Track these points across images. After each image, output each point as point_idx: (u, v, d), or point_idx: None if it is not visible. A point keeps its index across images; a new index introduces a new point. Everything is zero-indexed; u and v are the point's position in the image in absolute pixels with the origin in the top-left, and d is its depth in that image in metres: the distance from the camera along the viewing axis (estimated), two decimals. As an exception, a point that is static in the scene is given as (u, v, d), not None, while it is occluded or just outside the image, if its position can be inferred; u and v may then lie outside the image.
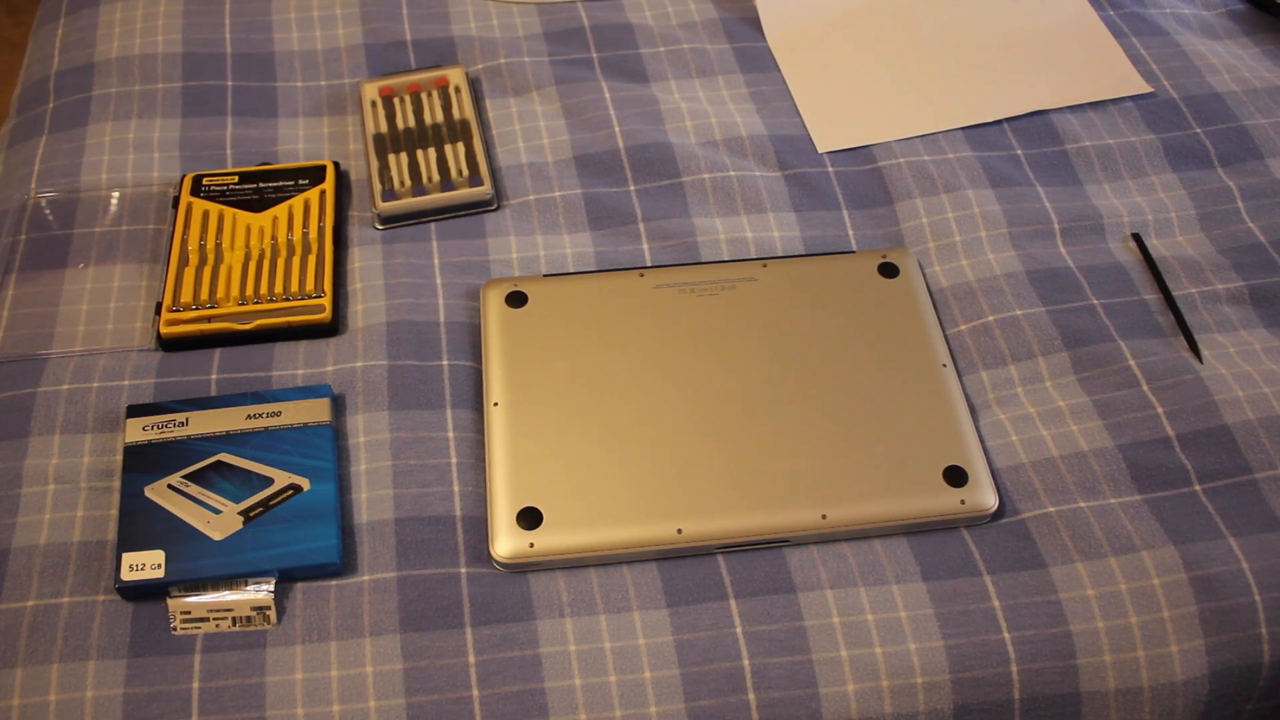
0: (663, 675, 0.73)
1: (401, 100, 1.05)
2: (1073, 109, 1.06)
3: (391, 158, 1.00)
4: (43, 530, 0.78)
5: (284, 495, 0.79)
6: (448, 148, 1.01)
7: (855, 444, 0.82)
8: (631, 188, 0.99)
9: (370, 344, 0.88)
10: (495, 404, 0.84)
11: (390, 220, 0.97)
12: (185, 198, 0.96)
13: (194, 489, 0.79)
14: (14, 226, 0.96)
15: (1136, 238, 0.96)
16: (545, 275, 0.92)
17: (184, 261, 0.92)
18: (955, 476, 0.80)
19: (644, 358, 0.86)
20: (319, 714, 0.72)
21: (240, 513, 0.77)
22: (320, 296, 0.90)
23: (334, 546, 0.77)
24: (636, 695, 0.73)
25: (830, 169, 1.01)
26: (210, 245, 0.93)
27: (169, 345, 0.88)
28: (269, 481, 0.79)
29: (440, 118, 1.03)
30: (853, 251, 0.95)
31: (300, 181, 0.97)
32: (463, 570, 0.78)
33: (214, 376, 0.87)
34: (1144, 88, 1.07)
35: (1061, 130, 1.04)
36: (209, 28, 1.12)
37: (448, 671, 0.73)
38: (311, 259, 0.92)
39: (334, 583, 0.77)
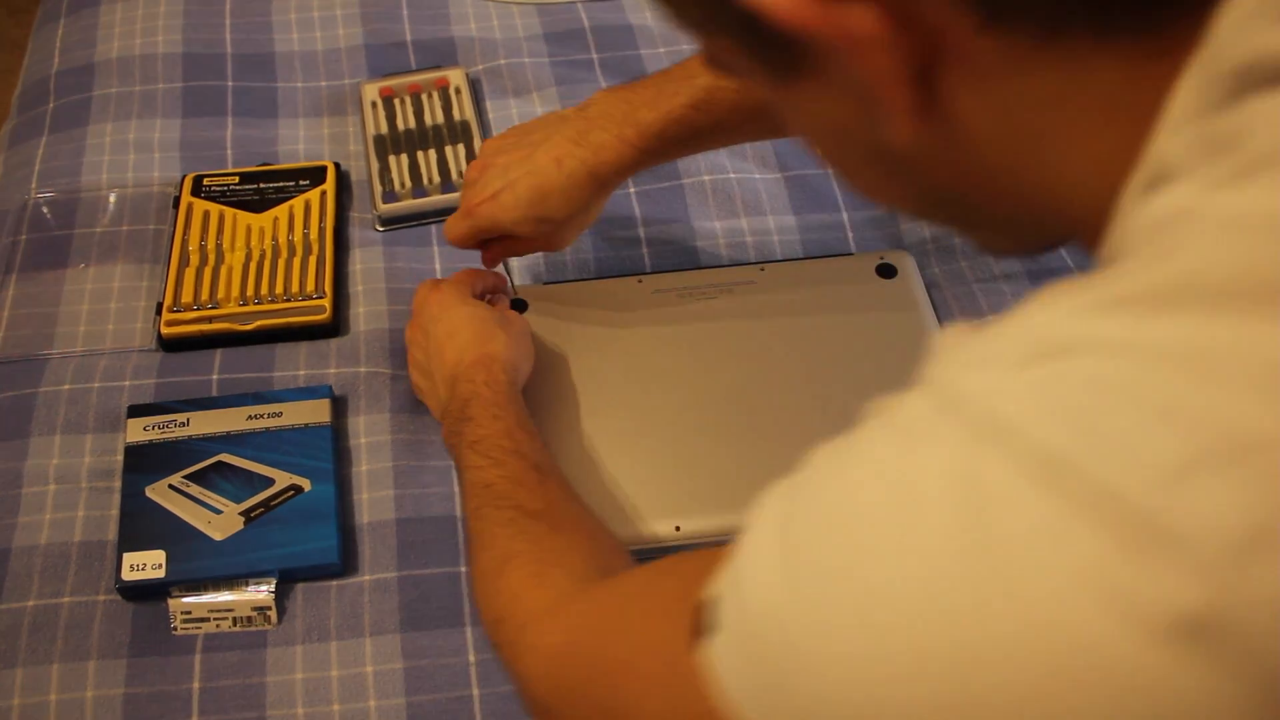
0: (663, 676, 0.73)
1: (402, 101, 1.05)
2: (1072, 111, 1.06)
3: (392, 159, 1.00)
4: (43, 530, 0.78)
5: (284, 496, 0.79)
6: (448, 149, 1.01)
7: (855, 445, 0.82)
8: (631, 190, 0.99)
9: (372, 346, 0.88)
10: (495, 405, 0.84)
11: (391, 222, 0.97)
12: (186, 198, 0.96)
13: (195, 489, 0.79)
14: (14, 226, 0.96)
15: (1135, 240, 0.96)
16: (545, 283, 0.93)
17: (184, 262, 0.92)
18: (954, 478, 0.80)
19: (643, 362, 0.86)
20: (319, 714, 0.72)
21: (241, 513, 0.78)
22: (321, 297, 0.90)
23: (333, 547, 0.77)
24: (636, 696, 0.73)
25: (830, 170, 1.01)
26: (211, 246, 0.93)
27: (170, 345, 0.88)
28: (270, 482, 0.79)
29: (440, 119, 1.03)
30: (850, 254, 0.95)
31: (301, 182, 0.97)
32: (463, 570, 0.78)
33: (215, 377, 0.87)
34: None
35: (1060, 133, 1.04)
36: (209, 28, 1.12)
37: (448, 671, 0.73)
38: (312, 260, 0.92)
39: (334, 583, 0.77)
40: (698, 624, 0.41)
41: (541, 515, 0.66)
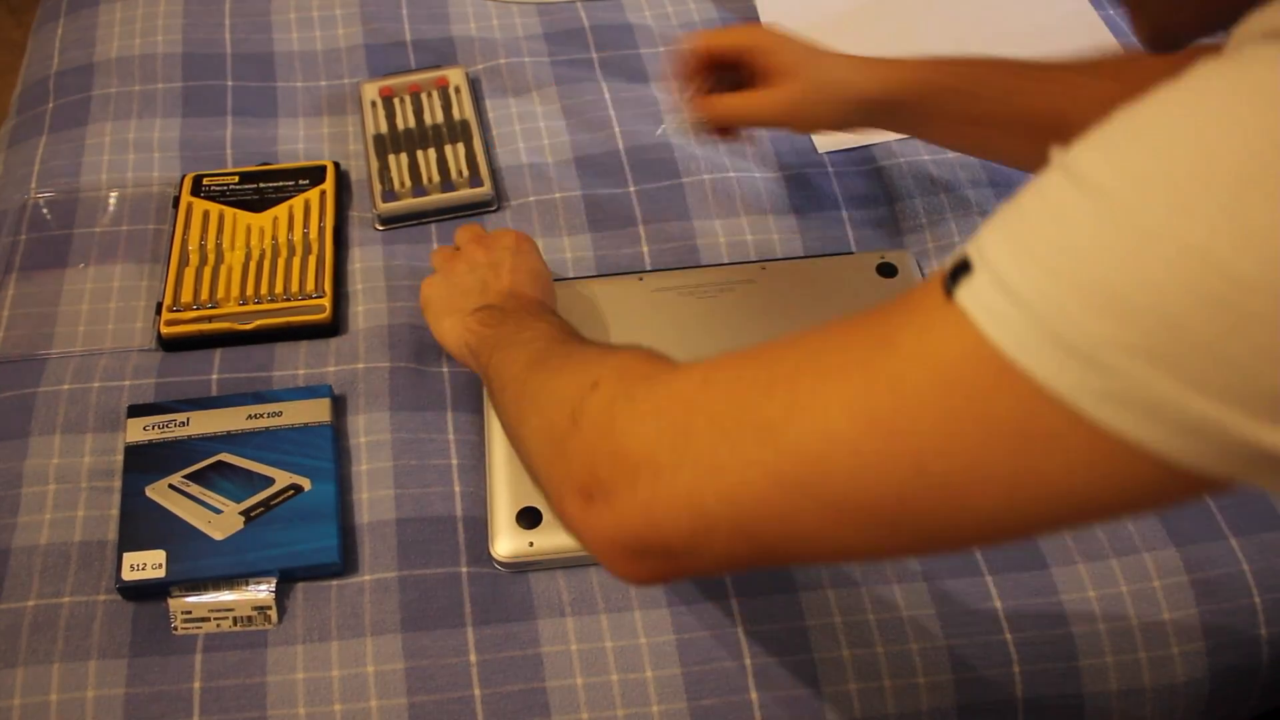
0: (665, 674, 0.73)
1: (401, 100, 1.05)
2: (1072, 110, 1.06)
3: (391, 158, 1.00)
4: (43, 530, 0.78)
5: (285, 495, 0.79)
6: (448, 148, 1.01)
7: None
8: (631, 188, 0.99)
9: (371, 345, 0.88)
10: (496, 404, 0.84)
11: (390, 221, 0.97)
12: (185, 198, 0.96)
13: (195, 489, 0.79)
14: (14, 226, 0.96)
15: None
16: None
17: (184, 261, 0.92)
18: (956, 476, 0.80)
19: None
20: (321, 714, 0.72)
21: (241, 512, 0.77)
22: (320, 297, 0.90)
23: (334, 546, 0.77)
24: (638, 694, 0.73)
25: (830, 169, 1.01)
26: (210, 245, 0.93)
27: (169, 345, 0.88)
28: (270, 481, 0.79)
29: (440, 118, 1.03)
30: (851, 253, 0.95)
31: (300, 182, 0.97)
32: (463, 570, 0.77)
33: (215, 376, 0.86)
34: (1144, 88, 1.07)
35: (1061, 131, 1.04)
36: (209, 28, 1.12)
37: (449, 671, 0.73)
38: (312, 259, 0.92)
39: (335, 582, 0.77)
40: (909, 313, 0.44)
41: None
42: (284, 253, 0.92)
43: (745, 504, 0.48)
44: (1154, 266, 0.37)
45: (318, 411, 0.83)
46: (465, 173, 0.99)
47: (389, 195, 0.97)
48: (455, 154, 1.00)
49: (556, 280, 0.92)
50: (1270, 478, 0.39)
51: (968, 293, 0.41)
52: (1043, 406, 0.39)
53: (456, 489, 0.81)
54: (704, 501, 0.49)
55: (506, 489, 0.80)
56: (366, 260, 0.94)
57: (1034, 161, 0.43)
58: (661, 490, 0.50)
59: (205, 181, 0.97)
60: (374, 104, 1.04)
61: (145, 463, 0.80)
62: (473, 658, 0.74)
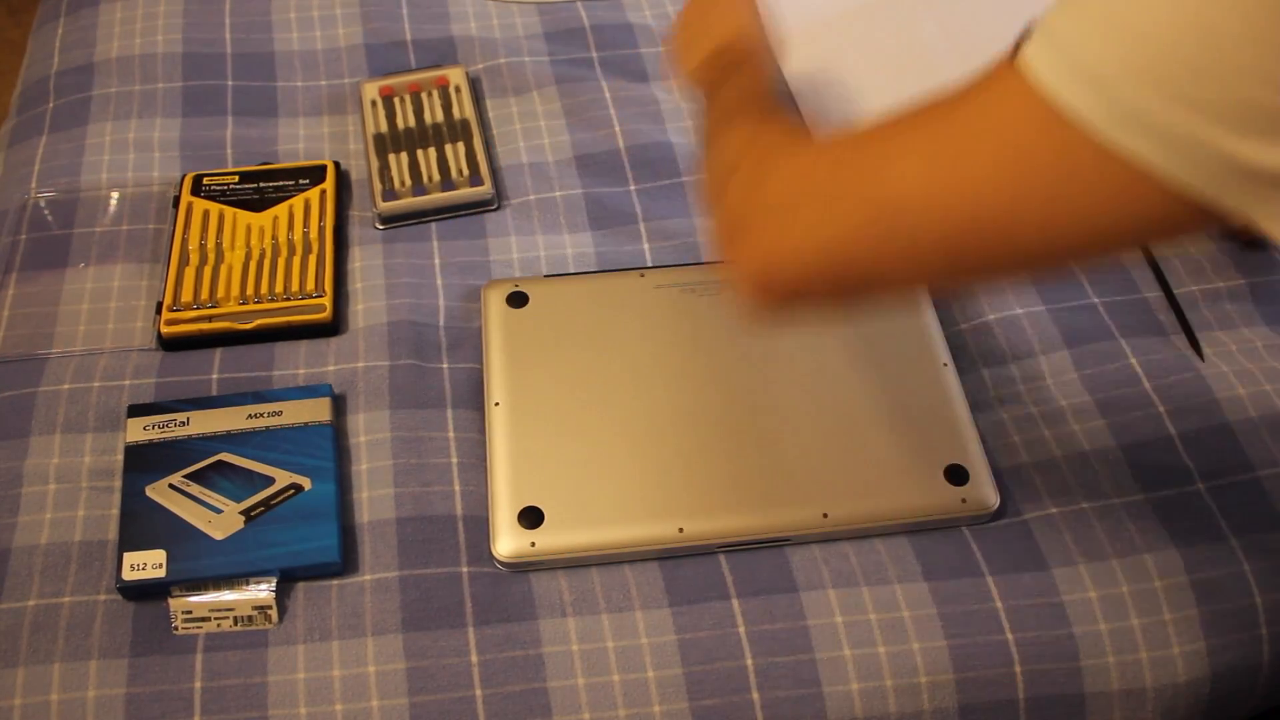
0: (666, 675, 0.73)
1: (402, 100, 1.04)
2: (1073, 109, 1.06)
3: (392, 157, 1.00)
4: (44, 530, 0.78)
5: (285, 494, 0.79)
6: (448, 147, 1.01)
7: (856, 443, 0.82)
8: (632, 187, 0.99)
9: (371, 344, 0.88)
10: (496, 404, 0.84)
11: (391, 220, 0.97)
12: (185, 197, 0.96)
13: (195, 488, 0.79)
14: (14, 226, 0.95)
15: (1137, 237, 0.96)
16: (546, 276, 0.92)
17: (184, 261, 0.92)
18: (956, 475, 0.80)
19: (645, 357, 0.86)
20: (321, 713, 0.72)
21: (241, 512, 0.77)
22: (321, 296, 0.90)
23: (334, 546, 0.76)
24: (640, 694, 0.72)
25: (831, 169, 1.01)
26: (210, 245, 0.93)
27: (170, 345, 0.88)
28: (270, 481, 0.79)
29: (440, 117, 1.03)
30: (853, 251, 0.95)
31: (300, 181, 0.97)
32: (464, 570, 0.77)
33: (215, 376, 0.86)
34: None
35: (1062, 130, 1.04)
36: (209, 28, 1.12)
37: (450, 671, 0.73)
38: (312, 259, 0.92)
39: (335, 582, 0.77)
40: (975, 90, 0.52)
41: None
42: (284, 252, 0.92)
43: (841, 250, 0.58)
44: (1160, 2, 0.44)
45: (318, 411, 0.83)
46: (465, 172, 0.99)
47: (389, 194, 0.97)
48: (455, 153, 1.00)
49: (557, 274, 0.92)
50: (1252, 201, 0.45)
51: (1025, 49, 0.49)
52: (1074, 144, 0.47)
53: (457, 488, 0.81)
54: (808, 250, 0.59)
55: (508, 488, 0.79)
56: (366, 259, 0.94)
57: None
58: (782, 241, 0.60)
59: (205, 181, 0.97)
60: (374, 103, 1.04)
61: (145, 462, 0.80)
62: (474, 658, 0.74)
